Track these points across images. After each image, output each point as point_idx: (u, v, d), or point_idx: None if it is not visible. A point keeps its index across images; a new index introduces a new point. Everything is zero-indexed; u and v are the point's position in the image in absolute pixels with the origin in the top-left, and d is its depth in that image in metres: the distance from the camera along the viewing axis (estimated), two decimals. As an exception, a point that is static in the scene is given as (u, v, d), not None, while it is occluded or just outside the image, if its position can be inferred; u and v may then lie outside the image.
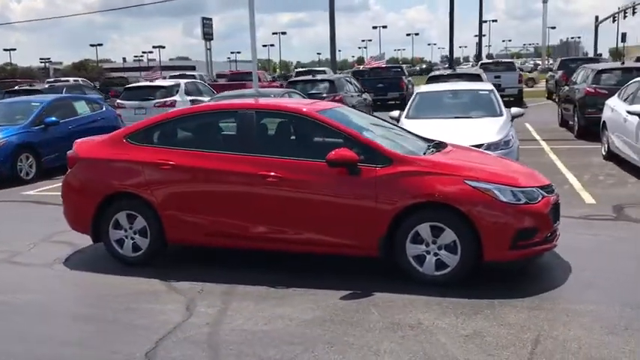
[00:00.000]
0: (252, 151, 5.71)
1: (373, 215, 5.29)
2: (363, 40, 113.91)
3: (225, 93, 12.82)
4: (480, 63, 29.15)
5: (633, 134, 9.49)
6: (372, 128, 6.12)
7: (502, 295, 4.98)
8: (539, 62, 72.69)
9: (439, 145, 6.11)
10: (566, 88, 16.52)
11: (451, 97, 10.44)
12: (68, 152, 6.49)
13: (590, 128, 13.85)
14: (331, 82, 15.68)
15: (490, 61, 31.72)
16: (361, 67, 38.77)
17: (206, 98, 17.86)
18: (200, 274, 5.75)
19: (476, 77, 14.71)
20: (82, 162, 6.27)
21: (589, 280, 5.30)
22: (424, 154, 5.77)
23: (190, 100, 16.84)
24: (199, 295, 5.26)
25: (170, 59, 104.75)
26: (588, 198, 8.29)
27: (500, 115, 9.55)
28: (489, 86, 10.91)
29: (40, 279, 5.91)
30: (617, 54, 58.99)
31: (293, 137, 6.21)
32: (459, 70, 16.42)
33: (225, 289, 5.37)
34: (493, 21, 52.95)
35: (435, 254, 5.24)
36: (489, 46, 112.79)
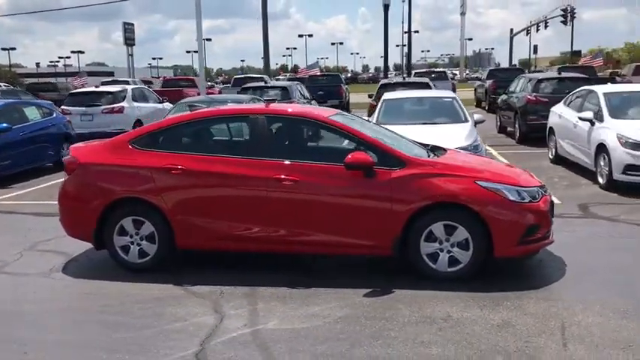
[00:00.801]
0: (265, 155, 5.80)
1: (389, 216, 5.51)
2: (288, 48, 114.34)
3: (191, 99, 12.72)
4: (414, 72, 30.13)
5: (585, 139, 10.23)
6: (376, 132, 6.34)
7: (512, 288, 5.33)
8: (457, 72, 75.72)
9: (437, 149, 6.43)
10: (504, 96, 17.44)
11: (416, 104, 10.86)
12: (65, 158, 6.34)
13: (531, 134, 14.77)
14: (284, 88, 15.84)
15: (424, 70, 32.85)
16: (286, 74, 38.94)
17: (152, 105, 17.59)
18: (212, 277, 5.77)
19: (425, 85, 15.29)
20: (83, 167, 6.13)
21: (583, 273, 5.73)
22: (428, 156, 6.06)
23: (137, 107, 16.53)
24: (222, 298, 5.29)
25: (87, 64, 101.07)
26: (553, 199, 8.87)
27: (466, 121, 10.05)
28: (451, 94, 11.44)
29: (45, 288, 5.73)
30: (527, 65, 62.23)
31: (307, 141, 6.36)
32: (405, 79, 17.08)
33: (246, 292, 5.43)
34: (415, 32, 54.90)
35: (448, 251, 5.52)
36: (406, 55, 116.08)
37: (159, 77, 57.29)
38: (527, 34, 57.11)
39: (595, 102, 10.37)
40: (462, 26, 65.54)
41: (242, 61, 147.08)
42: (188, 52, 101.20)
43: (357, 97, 28.05)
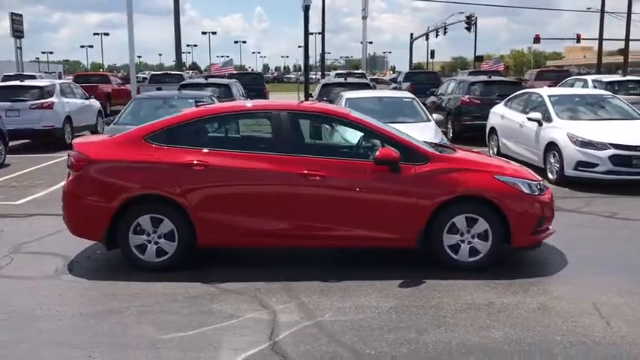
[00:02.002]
0: (290, 151, 5.84)
1: (414, 210, 5.74)
2: (189, 45, 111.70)
3: (150, 93, 12.28)
4: (334, 73, 30.65)
5: (532, 138, 11.01)
6: (391, 129, 6.53)
7: (528, 275, 5.72)
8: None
9: (444, 146, 6.74)
10: (433, 97, 18.28)
11: (378, 103, 11.18)
12: (72, 154, 6.02)
13: (463, 134, 15.61)
14: (226, 85, 15.66)
15: (344, 72, 33.51)
16: (189, 72, 38.14)
17: (80, 100, 16.77)
18: (236, 274, 5.73)
19: (366, 86, 15.69)
20: (94, 164, 5.86)
21: (584, 258, 6.24)
22: (441, 153, 6.35)
23: (66, 102, 15.71)
24: (261, 294, 5.29)
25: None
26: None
27: (429, 120, 10.51)
28: (410, 94, 11.87)
29: (64, 291, 5.43)
30: (421, 68, 64.89)
31: (331, 138, 6.44)
32: (347, 79, 17.42)
33: (280, 287, 5.45)
34: (318, 33, 55.67)
35: (469, 242, 5.83)
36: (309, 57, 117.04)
37: (51, 72, 54.01)
38: (426, 39, 59.89)
39: (540, 104, 11.18)
40: (363, 29, 66.74)
41: (139, 57, 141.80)
42: (82, 46, 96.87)
43: (272, 96, 28.16)
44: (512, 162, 7.16)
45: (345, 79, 17.29)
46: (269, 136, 6.05)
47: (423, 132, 9.60)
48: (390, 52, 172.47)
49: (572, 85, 17.25)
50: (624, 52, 38.40)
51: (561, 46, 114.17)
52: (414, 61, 73.04)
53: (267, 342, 4.35)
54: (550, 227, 6.18)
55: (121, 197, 5.76)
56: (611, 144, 9.51)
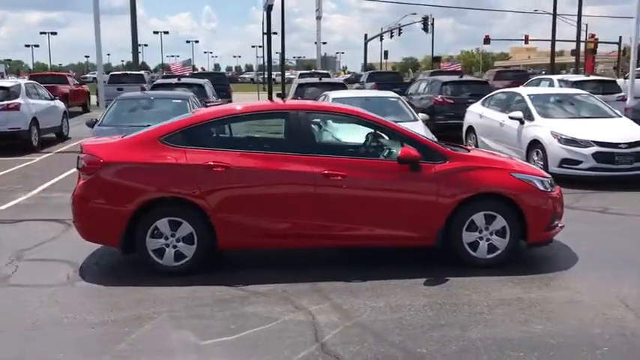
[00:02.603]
0: (311, 151, 5.81)
1: (435, 208, 5.80)
2: (140, 45, 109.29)
3: (133, 94, 11.95)
4: (299, 73, 30.62)
5: (514, 136, 11.27)
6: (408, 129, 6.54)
7: (544, 271, 5.87)
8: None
9: (457, 145, 6.81)
10: (404, 97, 18.47)
11: (365, 103, 11.19)
12: (83, 156, 5.81)
13: (437, 133, 15.81)
14: (200, 86, 15.41)
15: (308, 71, 33.50)
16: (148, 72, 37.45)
17: (45, 101, 16.23)
18: (256, 276, 5.65)
19: (341, 86, 15.75)
20: (108, 166, 5.68)
21: (590, 253, 6.40)
22: (456, 151, 6.42)
23: (32, 104, 15.17)
24: (291, 295, 5.24)
25: None
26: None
27: (416, 120, 10.63)
28: (395, 94, 11.97)
29: (85, 299, 5.27)
30: (372, 68, 65.31)
31: (350, 137, 6.41)
32: (322, 79, 17.45)
33: (307, 288, 5.41)
34: (274, 33, 55.40)
35: (487, 239, 5.93)
36: (260, 57, 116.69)
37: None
38: (380, 40, 60.53)
39: (521, 103, 11.46)
40: (318, 29, 67.16)
41: (86, 57, 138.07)
42: (27, 45, 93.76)
43: (234, 96, 27.93)
44: (517, 159, 7.30)
45: (320, 79, 17.32)
46: (287, 136, 6.00)
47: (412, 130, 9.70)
48: (342, 53, 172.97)
49: (538, 85, 17.74)
50: (576, 52, 39.85)
51: (507, 47, 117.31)
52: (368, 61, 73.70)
53: (314, 344, 4.31)
54: (560, 223, 6.34)
55: (137, 200, 5.61)
56: (594, 141, 9.83)
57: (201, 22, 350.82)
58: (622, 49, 61.89)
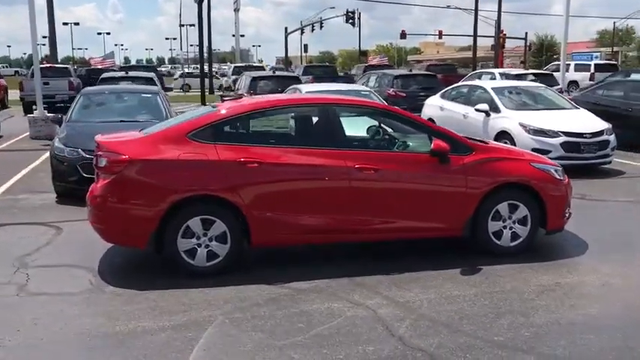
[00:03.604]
0: (343, 145, 5.78)
1: (464, 199, 5.91)
2: (45, 37, 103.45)
3: (98, 88, 11.26)
4: (233, 66, 30.11)
5: (479, 128, 11.63)
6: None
7: (564, 256, 6.13)
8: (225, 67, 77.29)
9: (471, 138, 6.93)
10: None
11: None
12: (105, 154, 5.47)
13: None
14: (150, 79, 14.84)
15: (243, 64, 33.02)
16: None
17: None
18: (291, 273, 5.55)
19: (296, 79, 15.65)
20: (135, 164, 5.38)
21: (595, 238, 6.71)
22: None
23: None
24: (339, 291, 5.18)
25: None
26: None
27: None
28: (366, 88, 12.03)
29: (123, 304, 4.93)
30: (287, 62, 65.09)
31: (379, 131, 6.37)
32: (275, 72, 17.26)
33: (349, 283, 5.37)
34: (191, 25, 54.13)
35: (510, 228, 6.11)
36: (173, 49, 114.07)
37: None
38: (301, 34, 60.58)
39: (485, 95, 11.85)
40: (236, 22, 66.51)
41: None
42: None
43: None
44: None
45: (274, 72, 17.14)
46: (318, 129, 5.91)
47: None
48: (259, 46, 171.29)
49: (479, 78, 18.39)
50: (495, 47, 41.52)
51: (417, 41, 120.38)
52: (278, 54, 73.31)
53: (390, 338, 4.30)
54: (570, 211, 6.61)
55: (169, 199, 5.36)
56: (561, 132, 10.33)
57: (107, 13, 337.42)
58: (528, 44, 65.25)
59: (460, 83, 13.39)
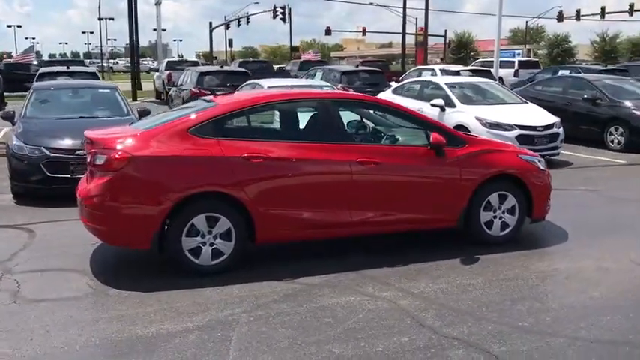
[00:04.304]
0: (344, 139, 5.80)
1: (459, 190, 6.07)
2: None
3: (51, 83, 10.56)
4: (166, 61, 29.29)
5: (435, 122, 11.92)
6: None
7: (551, 244, 6.39)
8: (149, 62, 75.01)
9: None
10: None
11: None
12: (104, 151, 5.22)
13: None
14: (93, 74, 14.22)
15: (177, 59, 32.13)
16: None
17: None
18: (295, 269, 5.50)
19: (244, 74, 15.43)
20: (137, 161, 5.17)
21: (573, 225, 7.01)
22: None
23: None
24: (351, 285, 5.20)
25: None
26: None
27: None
28: (327, 83, 12.03)
29: (135, 307, 4.72)
30: (211, 57, 64.23)
31: (377, 125, 6.39)
32: (223, 67, 16.80)
33: (358, 276, 5.38)
34: (111, 19, 52.17)
35: (500, 218, 6.32)
36: (90, 43, 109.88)
37: None
38: (226, 29, 59.67)
39: (440, 91, 12.16)
40: (158, 15, 64.43)
41: None
42: None
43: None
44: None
45: (222, 67, 16.82)
46: (319, 124, 5.88)
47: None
48: (181, 41, 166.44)
49: (419, 74, 18.82)
50: (423, 44, 42.61)
51: (338, 38, 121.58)
52: (197, 49, 71.92)
53: (421, 328, 4.35)
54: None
55: (173, 197, 5.19)
56: (516, 125, 10.77)
57: (14, 6, 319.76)
58: (447, 41, 67.35)
59: (412, 79, 13.67)
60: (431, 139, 5.88)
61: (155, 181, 5.21)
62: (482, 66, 24.89)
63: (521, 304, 4.80)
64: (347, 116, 6.62)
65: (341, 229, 5.80)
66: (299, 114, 6.08)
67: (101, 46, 66.39)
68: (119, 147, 5.23)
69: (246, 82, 12.09)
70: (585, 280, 5.34)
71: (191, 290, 5.07)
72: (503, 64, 32.44)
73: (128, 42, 29.86)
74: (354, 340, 4.18)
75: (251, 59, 43.24)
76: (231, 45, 65.22)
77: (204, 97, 6.44)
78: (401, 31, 52.48)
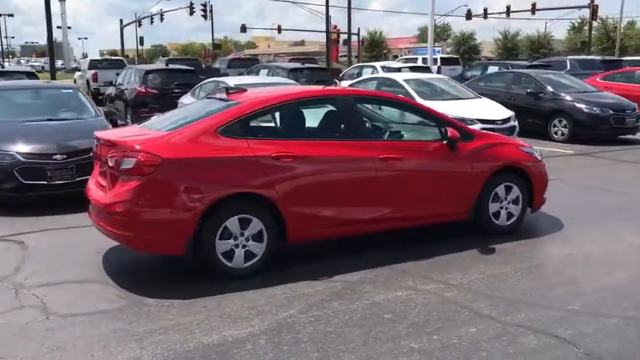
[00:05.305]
0: (367, 136, 5.84)
1: (472, 183, 6.24)
2: None
3: (7, 83, 9.69)
4: (89, 60, 27.91)
5: (396, 118, 12.17)
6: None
7: (552, 231, 6.68)
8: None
9: None
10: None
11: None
12: (129, 154, 4.95)
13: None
14: (32, 73, 13.36)
15: (100, 58, 30.62)
16: None
17: None
18: (321, 269, 5.44)
19: (191, 72, 15.01)
20: (170, 164, 4.94)
21: (565, 213, 7.34)
22: None
23: None
24: (391, 280, 5.23)
25: None
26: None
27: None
28: (292, 80, 11.91)
29: (181, 316, 4.53)
30: (124, 56, 62.24)
31: (397, 121, 6.40)
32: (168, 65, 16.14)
33: (390, 271, 5.42)
34: (10, 15, 49.19)
35: (506, 208, 6.56)
36: (9, 37, 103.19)
37: None
38: (138, 26, 57.71)
39: (400, 88, 12.39)
40: (62, 12, 61.80)
41: None
42: None
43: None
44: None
45: (167, 65, 16.28)
46: (343, 121, 5.85)
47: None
48: (86, 38, 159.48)
49: (360, 72, 19.07)
50: (347, 42, 43.06)
51: (249, 35, 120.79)
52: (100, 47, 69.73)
53: (483, 318, 4.45)
54: None
55: (207, 199, 5.01)
56: (477, 119, 11.16)
57: None
58: (361, 39, 68.58)
59: (368, 76, 13.83)
60: (449, 134, 6.00)
61: (188, 183, 5.01)
62: (404, 63, 25.58)
63: (559, 289, 5.02)
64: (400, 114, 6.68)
65: (367, 225, 5.81)
66: (326, 112, 6.04)
67: (1, 45, 62.56)
68: (149, 150, 4.98)
69: (207, 81, 11.80)
70: (603, 264, 5.64)
71: (232, 295, 4.92)
72: (427, 61, 33.51)
73: (25, 41, 28.22)
74: (425, 334, 4.22)
75: (178, 57, 42.09)
76: (142, 43, 63.28)
77: (217, 96, 6.23)
78: (313, 29, 52.96)
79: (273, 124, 5.78)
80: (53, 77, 26.19)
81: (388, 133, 6.33)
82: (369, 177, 5.69)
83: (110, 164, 5.11)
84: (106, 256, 5.87)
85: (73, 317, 4.55)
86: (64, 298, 4.92)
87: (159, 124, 5.71)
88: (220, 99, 5.96)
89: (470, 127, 6.93)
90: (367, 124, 6.06)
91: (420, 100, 11.80)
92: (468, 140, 6.28)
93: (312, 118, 5.98)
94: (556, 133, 13.55)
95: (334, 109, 5.92)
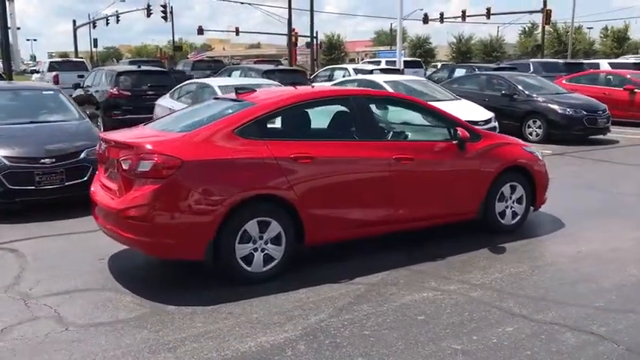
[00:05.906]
0: (380, 136, 5.81)
1: (480, 183, 6.27)
2: None
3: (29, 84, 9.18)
4: (48, 62, 27.02)
5: (377, 120, 12.18)
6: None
7: (553, 230, 6.75)
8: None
9: None
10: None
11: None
12: (146, 156, 4.76)
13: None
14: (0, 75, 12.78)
15: (60, 59, 29.67)
16: None
17: None
18: (337, 272, 5.38)
19: (166, 74, 14.68)
20: (190, 166, 4.78)
21: (563, 211, 7.48)
22: None
23: None
24: (412, 281, 5.18)
25: None
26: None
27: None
28: (276, 82, 11.76)
29: (212, 323, 4.37)
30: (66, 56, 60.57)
31: (408, 121, 6.34)
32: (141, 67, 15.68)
33: (410, 272, 5.39)
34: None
35: (511, 208, 6.61)
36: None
37: None
38: (93, 27, 56.27)
39: (380, 89, 12.39)
40: (11, 13, 59.56)
41: None
42: None
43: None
44: None
45: (139, 66, 15.86)
46: (358, 122, 5.77)
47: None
48: (35, 40, 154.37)
49: (332, 74, 19.05)
50: (310, 45, 42.93)
51: (204, 38, 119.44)
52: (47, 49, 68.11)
53: (513, 317, 4.44)
54: None
55: (228, 202, 4.86)
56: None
57: None
58: (319, 42, 68.73)
59: (350, 78, 13.80)
60: (459, 134, 6.00)
61: (209, 186, 4.85)
62: (374, 65, 25.67)
63: (580, 286, 5.06)
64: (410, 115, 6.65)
65: (383, 226, 5.76)
66: (341, 112, 5.95)
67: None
68: (168, 152, 4.80)
69: (187, 82, 11.55)
70: (612, 260, 5.72)
71: (254, 300, 4.79)
72: (390, 64, 33.78)
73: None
74: (463, 334, 4.18)
75: (142, 59, 41.25)
76: (96, 45, 61.78)
77: (227, 97, 6.08)
78: (268, 31, 52.73)
79: (288, 125, 5.65)
80: (10, 79, 25.34)
81: (399, 133, 6.29)
82: (384, 177, 5.64)
83: (124, 167, 4.91)
84: (111, 263, 5.66)
85: (95, 327, 4.34)
86: (78, 308, 4.69)
87: (168, 125, 5.53)
88: (231, 99, 5.81)
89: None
90: (381, 125, 6.00)
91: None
92: (476, 140, 6.30)
93: (324, 118, 5.90)
94: (530, 134, 13.80)
95: (347, 109, 5.84)
